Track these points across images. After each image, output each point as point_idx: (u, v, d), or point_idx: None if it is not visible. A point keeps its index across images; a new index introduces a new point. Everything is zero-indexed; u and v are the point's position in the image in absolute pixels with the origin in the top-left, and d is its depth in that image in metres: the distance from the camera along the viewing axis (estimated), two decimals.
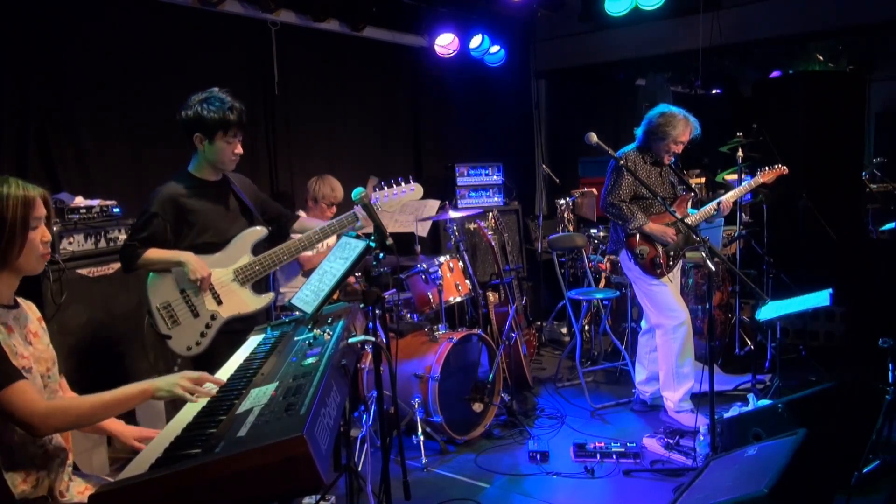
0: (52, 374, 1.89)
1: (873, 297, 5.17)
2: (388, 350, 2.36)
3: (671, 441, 3.64)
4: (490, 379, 4.02)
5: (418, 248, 4.55)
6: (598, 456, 3.58)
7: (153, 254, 2.75)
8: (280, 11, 4.81)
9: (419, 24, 5.91)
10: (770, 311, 3.57)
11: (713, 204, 3.98)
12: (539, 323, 5.78)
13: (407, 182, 3.14)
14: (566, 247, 5.24)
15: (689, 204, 4.07)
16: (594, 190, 6.05)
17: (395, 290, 4.35)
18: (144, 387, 1.78)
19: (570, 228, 5.70)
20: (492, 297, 4.86)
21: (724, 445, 3.10)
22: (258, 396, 1.67)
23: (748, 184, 4.16)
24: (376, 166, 5.70)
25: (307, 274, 4.21)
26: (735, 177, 4.75)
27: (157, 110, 4.05)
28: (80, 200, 3.47)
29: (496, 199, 6.16)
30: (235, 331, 2.78)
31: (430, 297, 4.11)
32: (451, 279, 4.19)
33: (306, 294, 2.53)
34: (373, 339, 2.26)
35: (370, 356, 3.66)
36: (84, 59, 3.86)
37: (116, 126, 4.03)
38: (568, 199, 5.80)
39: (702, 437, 3.46)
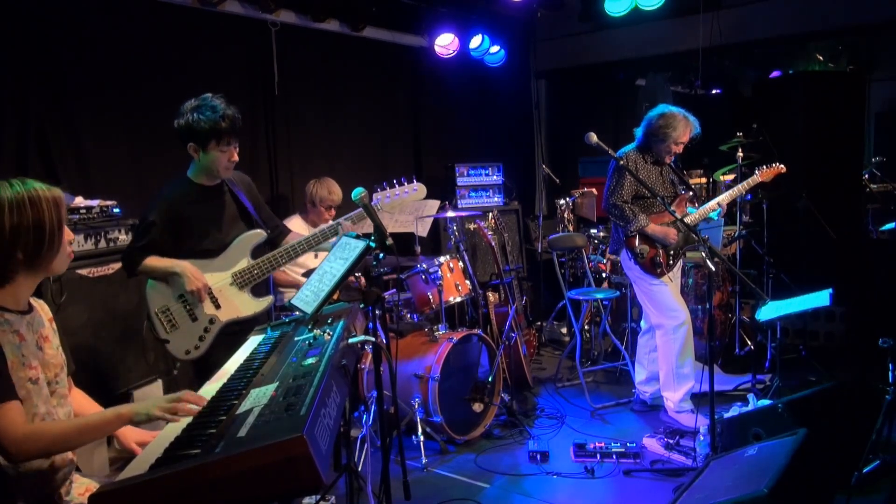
0: (60, 380, 1.87)
1: (873, 297, 5.16)
2: (388, 350, 2.37)
3: (671, 441, 3.65)
4: (490, 379, 4.02)
5: (418, 248, 4.55)
6: (598, 456, 3.58)
7: (152, 262, 2.76)
8: (280, 11, 4.81)
9: (419, 24, 5.91)
10: (770, 311, 3.56)
11: (713, 203, 3.99)
12: (539, 323, 5.79)
13: (410, 182, 3.12)
14: (566, 247, 5.24)
15: (689, 203, 4.07)
16: (594, 190, 6.05)
17: (395, 290, 4.36)
18: (122, 412, 1.73)
19: (570, 228, 5.70)
20: (492, 297, 4.85)
21: (724, 445, 3.10)
22: (258, 396, 1.67)
23: (746, 182, 4.16)
24: (376, 166, 5.71)
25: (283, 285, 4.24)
26: (731, 177, 4.74)
27: (158, 110, 4.03)
28: (80, 201, 3.46)
29: (496, 199, 6.17)
30: (234, 332, 2.78)
31: (430, 297, 4.12)
32: (451, 279, 4.19)
33: (306, 294, 2.53)
34: (373, 339, 2.27)
35: (370, 356, 3.66)
36: (84, 59, 3.86)
37: (116, 126, 4.03)
38: (568, 199, 5.80)
39: (702, 437, 3.45)
